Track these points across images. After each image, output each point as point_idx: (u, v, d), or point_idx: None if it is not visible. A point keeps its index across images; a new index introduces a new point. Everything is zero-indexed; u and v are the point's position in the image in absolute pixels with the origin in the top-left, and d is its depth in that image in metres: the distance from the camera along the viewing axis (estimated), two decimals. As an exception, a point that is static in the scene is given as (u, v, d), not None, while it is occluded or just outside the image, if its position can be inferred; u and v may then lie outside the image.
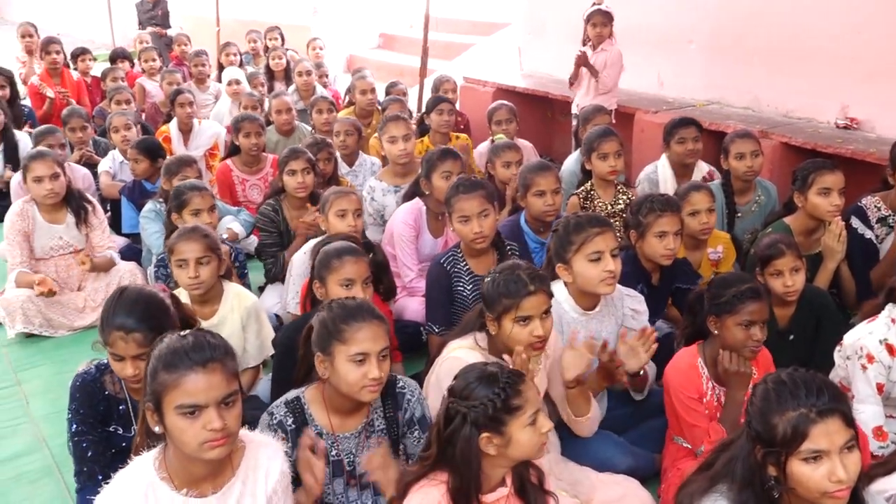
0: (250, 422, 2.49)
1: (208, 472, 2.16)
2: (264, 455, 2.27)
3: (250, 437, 2.30)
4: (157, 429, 2.12)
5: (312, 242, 4.14)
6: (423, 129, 6.27)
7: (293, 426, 2.56)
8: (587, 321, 3.27)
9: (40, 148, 5.15)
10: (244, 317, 3.70)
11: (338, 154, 5.63)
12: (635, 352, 3.04)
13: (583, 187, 4.88)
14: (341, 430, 2.62)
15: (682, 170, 5.03)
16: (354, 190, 4.80)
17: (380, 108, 6.90)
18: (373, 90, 6.93)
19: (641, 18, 6.97)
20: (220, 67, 8.98)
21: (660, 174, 5.08)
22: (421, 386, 2.92)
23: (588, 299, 3.24)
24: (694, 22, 6.74)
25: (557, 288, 3.24)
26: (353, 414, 2.63)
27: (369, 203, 5.12)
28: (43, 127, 6.25)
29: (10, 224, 4.80)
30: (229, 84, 7.85)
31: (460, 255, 3.90)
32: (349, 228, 3.99)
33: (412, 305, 4.34)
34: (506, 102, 6.25)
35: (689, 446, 3.04)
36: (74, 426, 2.80)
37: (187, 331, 2.20)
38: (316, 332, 2.58)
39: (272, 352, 3.72)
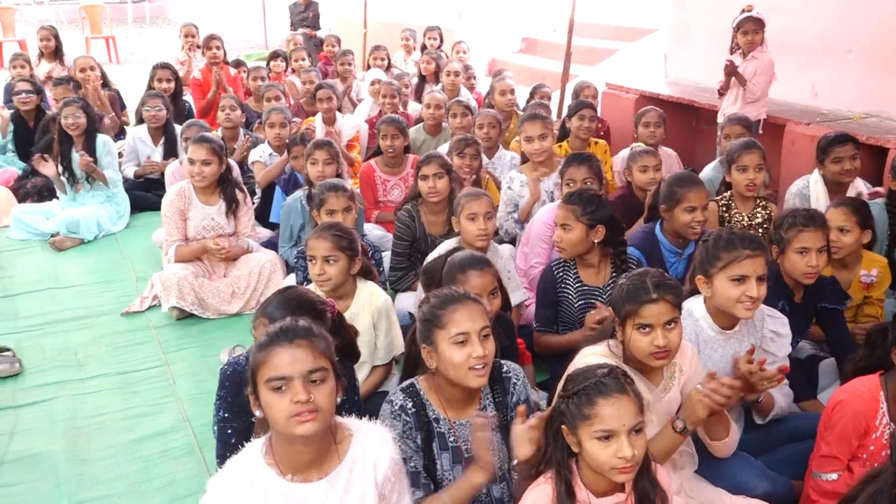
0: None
1: (313, 458, 2.22)
2: (373, 442, 2.31)
3: (358, 426, 2.34)
4: (257, 412, 2.21)
5: (448, 244, 4.20)
6: (563, 133, 6.25)
7: (413, 410, 2.63)
8: (725, 341, 3.16)
9: (204, 133, 5.42)
10: (375, 315, 3.77)
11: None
12: (757, 382, 2.93)
13: (722, 196, 4.74)
14: (456, 418, 2.67)
15: (836, 188, 4.79)
16: (487, 192, 4.83)
17: (520, 111, 6.91)
18: (512, 91, 6.98)
19: (795, 26, 6.69)
20: (369, 68, 9.21)
21: (812, 190, 4.86)
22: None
23: (726, 318, 3.13)
24: (853, 30, 6.40)
25: (696, 303, 3.15)
26: (466, 403, 2.68)
27: (505, 192, 5.26)
28: (190, 121, 6.60)
29: (168, 203, 5.12)
30: (372, 84, 8.05)
31: (572, 263, 3.96)
32: (479, 231, 4.02)
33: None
34: (655, 107, 6.14)
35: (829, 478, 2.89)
36: (221, 412, 2.91)
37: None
38: (418, 328, 2.66)
39: (402, 350, 3.79)
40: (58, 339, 4.78)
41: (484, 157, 5.79)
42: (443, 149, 5.68)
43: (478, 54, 11.15)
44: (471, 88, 8.39)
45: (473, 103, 7.07)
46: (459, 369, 2.54)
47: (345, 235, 3.66)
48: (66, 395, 4.16)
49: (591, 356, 2.80)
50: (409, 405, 2.63)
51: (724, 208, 4.68)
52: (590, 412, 2.22)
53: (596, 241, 3.88)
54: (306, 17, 12.58)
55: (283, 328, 2.22)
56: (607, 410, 2.20)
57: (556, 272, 3.97)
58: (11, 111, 7.67)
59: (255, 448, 2.28)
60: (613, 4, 12.11)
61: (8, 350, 4.48)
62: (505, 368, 2.78)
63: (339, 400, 2.22)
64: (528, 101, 7.11)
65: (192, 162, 5.04)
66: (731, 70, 5.92)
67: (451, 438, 2.66)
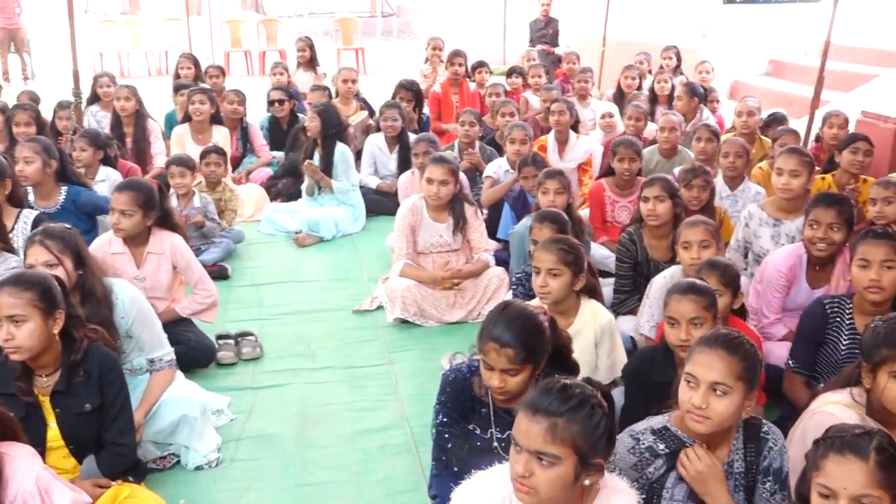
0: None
1: None
2: (618, 501, 2.23)
3: (606, 481, 2.24)
4: None
5: (671, 272, 4.08)
6: (828, 166, 5.83)
7: (666, 450, 2.54)
8: None
9: (442, 154, 5.61)
10: (598, 333, 3.71)
11: (720, 177, 5.48)
12: None
13: None
14: None
15: None
16: (719, 225, 4.62)
17: (763, 137, 6.58)
18: (751, 113, 6.57)
19: None
20: (619, 90, 9.11)
21: None
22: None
23: None
24: None
25: None
26: (716, 449, 2.55)
27: (741, 229, 4.87)
28: (421, 134, 6.85)
29: (401, 216, 5.31)
30: (602, 117, 7.93)
31: (847, 305, 3.60)
32: (692, 260, 3.88)
33: (777, 351, 4.08)
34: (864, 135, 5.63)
35: None
36: (440, 416, 2.96)
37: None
38: None
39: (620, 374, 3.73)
40: (295, 329, 5.11)
41: (725, 188, 5.55)
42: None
43: (721, 76, 10.76)
44: (713, 111, 8.10)
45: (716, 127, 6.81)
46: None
47: (571, 250, 3.65)
48: (298, 383, 4.44)
49: (832, 404, 2.62)
50: (661, 447, 2.55)
51: None
52: (820, 464, 2.09)
53: None
54: (546, 33, 12.71)
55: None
56: (834, 468, 2.06)
57: (827, 310, 3.62)
58: (269, 114, 8.39)
59: (506, 472, 2.22)
60: (875, 26, 11.25)
61: (252, 335, 4.86)
62: (765, 429, 2.61)
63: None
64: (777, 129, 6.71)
65: (429, 181, 5.16)
66: None
67: None
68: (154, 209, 4.27)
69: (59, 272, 3.35)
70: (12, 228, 4.47)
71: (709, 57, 10.16)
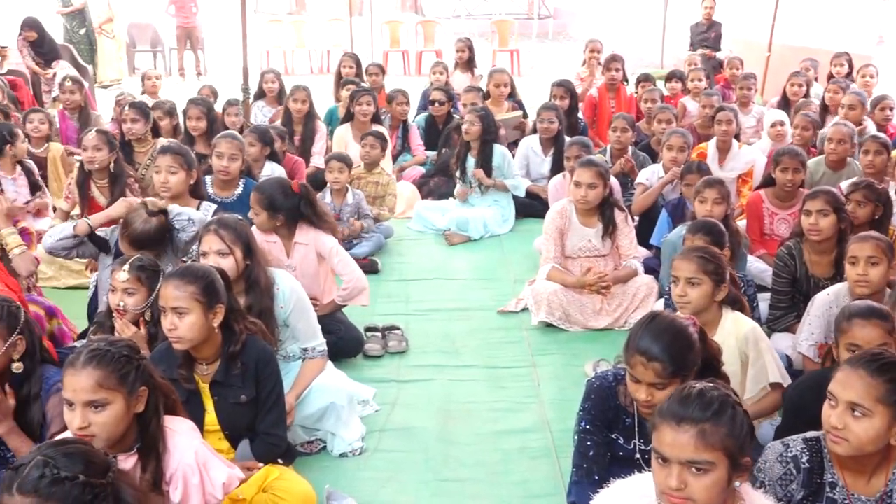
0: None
1: None
2: None
3: (751, 497, 2.17)
4: None
5: (836, 289, 3.88)
6: None
7: (808, 466, 2.44)
8: None
9: (591, 157, 5.56)
10: (741, 343, 3.58)
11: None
12: None
13: None
14: (855, 490, 2.42)
15: None
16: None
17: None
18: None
19: None
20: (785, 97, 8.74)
21: None
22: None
23: None
24: None
25: None
26: (871, 476, 2.41)
27: None
28: (575, 138, 6.80)
29: (549, 220, 5.29)
30: (773, 126, 7.61)
31: None
32: (857, 277, 3.68)
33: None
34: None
35: None
36: (583, 423, 2.94)
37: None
38: None
39: (774, 381, 3.59)
40: (440, 325, 5.19)
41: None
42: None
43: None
44: (885, 121, 7.61)
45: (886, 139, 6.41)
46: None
47: (712, 259, 3.54)
48: (442, 379, 4.51)
49: None
50: (805, 459, 2.45)
51: None
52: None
53: None
54: (707, 37, 12.34)
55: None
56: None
57: None
58: (425, 114, 8.56)
59: (649, 481, 2.20)
60: None
61: (398, 329, 4.97)
62: None
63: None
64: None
65: (577, 185, 5.12)
66: None
67: None
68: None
69: (230, 261, 3.55)
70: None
71: (887, 64, 9.56)
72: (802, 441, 2.48)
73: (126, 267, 3.48)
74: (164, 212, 4.09)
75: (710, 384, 2.17)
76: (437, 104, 8.38)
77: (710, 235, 4.21)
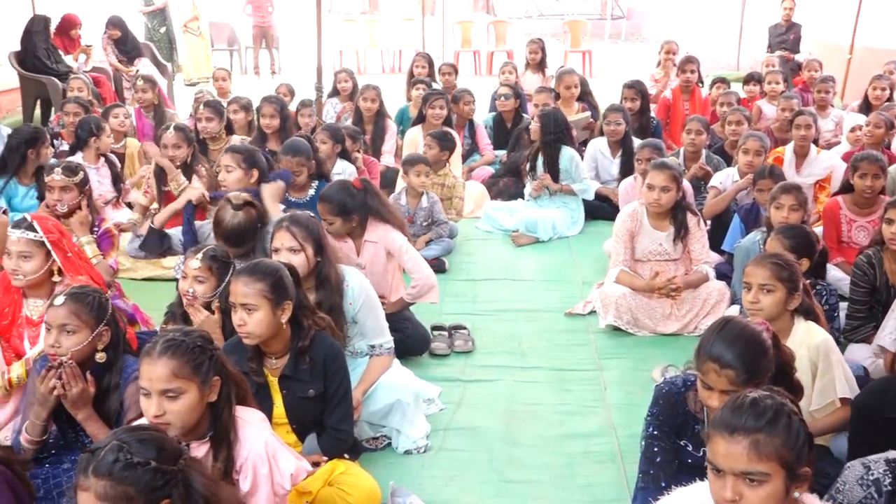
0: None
1: None
2: None
3: None
4: None
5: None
6: None
7: (890, 489, 2.36)
8: None
9: (665, 159, 5.49)
10: (813, 353, 3.49)
11: None
12: None
13: None
14: None
15: None
16: None
17: None
18: None
19: None
20: (866, 101, 8.49)
21: None
22: None
23: None
24: None
25: None
26: None
27: None
28: (646, 140, 6.73)
29: (620, 222, 5.24)
30: (852, 130, 7.40)
31: None
32: None
33: None
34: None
35: None
36: (651, 429, 2.92)
37: None
38: None
39: (842, 396, 3.48)
40: (506, 326, 5.18)
41: None
42: None
43: None
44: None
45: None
46: None
47: (786, 266, 3.46)
48: (507, 380, 4.50)
49: None
50: (888, 482, 2.37)
51: None
52: None
53: None
54: (786, 38, 12.06)
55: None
56: None
57: None
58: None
59: (706, 489, 2.18)
60: None
61: (465, 328, 4.98)
62: None
63: None
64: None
65: (650, 187, 5.05)
66: None
67: None
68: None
69: (301, 258, 3.62)
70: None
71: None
72: (885, 463, 2.40)
73: (199, 255, 3.58)
74: (250, 204, 4.18)
75: (766, 392, 2.13)
76: (502, 98, 8.36)
77: (793, 240, 4.11)
